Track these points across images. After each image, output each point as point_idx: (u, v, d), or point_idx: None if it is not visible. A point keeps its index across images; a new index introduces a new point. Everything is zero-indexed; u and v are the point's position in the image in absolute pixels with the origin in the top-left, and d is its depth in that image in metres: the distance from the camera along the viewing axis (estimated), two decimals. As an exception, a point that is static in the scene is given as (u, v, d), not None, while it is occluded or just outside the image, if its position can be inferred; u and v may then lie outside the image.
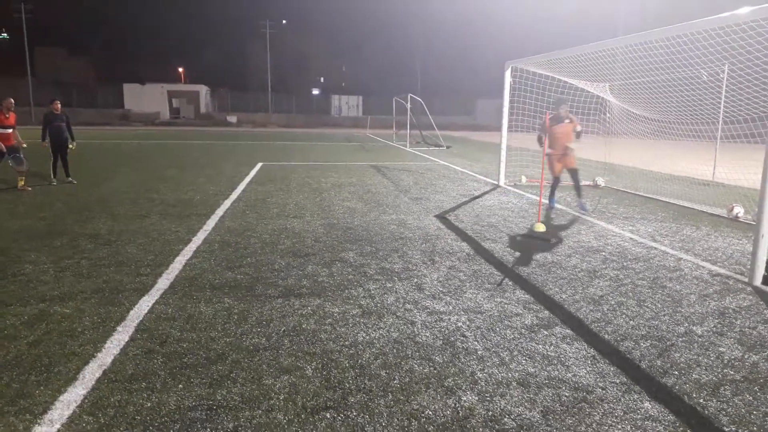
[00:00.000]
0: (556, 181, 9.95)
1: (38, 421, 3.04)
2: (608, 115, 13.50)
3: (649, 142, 13.77)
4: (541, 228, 8.12)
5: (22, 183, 11.22)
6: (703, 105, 10.89)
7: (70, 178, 12.34)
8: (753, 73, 8.18)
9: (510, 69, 12.93)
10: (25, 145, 11.51)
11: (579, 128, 9.53)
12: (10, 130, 11.05)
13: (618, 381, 3.65)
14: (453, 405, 3.31)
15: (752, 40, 7.11)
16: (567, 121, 9.50)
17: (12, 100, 11.32)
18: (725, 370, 3.83)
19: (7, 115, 11.04)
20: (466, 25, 66.81)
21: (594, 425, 3.13)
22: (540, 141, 9.40)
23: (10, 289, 5.16)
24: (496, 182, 13.51)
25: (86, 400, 3.25)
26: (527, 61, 12.55)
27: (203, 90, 62.29)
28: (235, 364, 3.77)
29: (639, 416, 3.23)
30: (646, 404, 3.37)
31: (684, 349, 4.16)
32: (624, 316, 4.81)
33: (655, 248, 7.24)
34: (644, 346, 4.22)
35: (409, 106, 28.03)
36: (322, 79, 78.39)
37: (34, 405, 3.19)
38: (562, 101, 10.03)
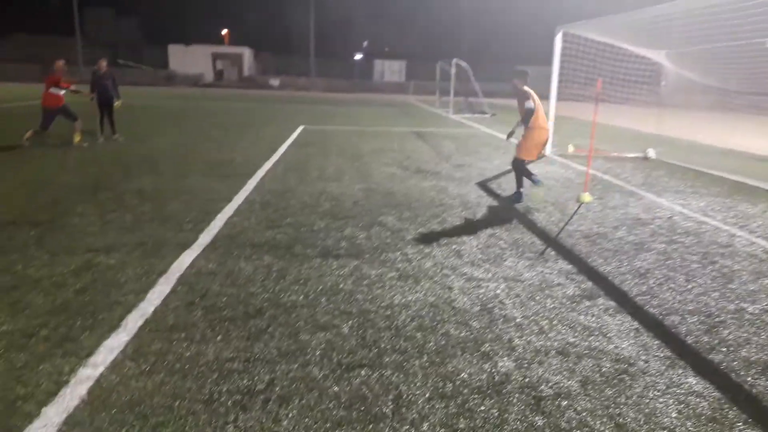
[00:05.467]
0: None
1: (83, 364, 3.13)
2: (664, 82, 12.94)
3: (706, 114, 13.17)
4: (587, 198, 7.89)
5: (79, 139, 11.52)
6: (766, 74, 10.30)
7: (116, 135, 12.60)
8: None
9: (561, 34, 12.47)
10: (72, 88, 11.62)
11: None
12: (63, 92, 11.30)
13: (662, 355, 3.53)
14: (489, 370, 3.27)
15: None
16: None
17: (63, 63, 11.57)
18: (777, 350, 3.67)
19: (60, 78, 11.29)
20: (516, -12, 64.64)
21: (634, 397, 3.04)
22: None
23: (60, 239, 5.32)
24: (543, 152, 13.17)
25: (128, 347, 3.34)
26: (579, 27, 12.08)
27: (247, 52, 62.43)
28: (273, 320, 3.80)
29: (682, 391, 3.13)
30: (691, 379, 3.25)
31: (734, 327, 3.99)
32: (671, 291, 4.65)
33: (707, 223, 6.96)
34: (691, 321, 4.07)
35: (453, 71, 27.47)
36: (365, 44, 77.51)
37: (80, 349, 3.29)
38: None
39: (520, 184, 7.96)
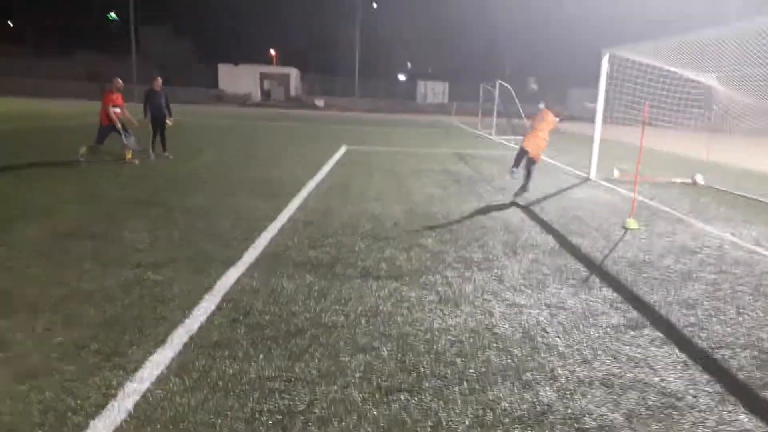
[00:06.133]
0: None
1: (130, 378, 3.22)
2: (715, 107, 12.59)
3: (759, 140, 12.73)
4: (633, 225, 7.73)
5: (130, 156, 11.97)
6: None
7: (166, 153, 12.99)
8: None
9: (607, 56, 12.33)
10: (136, 124, 12.25)
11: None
12: (119, 110, 11.75)
13: (711, 390, 3.42)
14: (530, 399, 3.22)
15: None
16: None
17: (120, 81, 12.04)
18: (836, 390, 3.49)
19: (116, 95, 11.74)
20: (560, 9, 63.87)
21: (682, 434, 2.95)
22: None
23: (111, 254, 5.51)
24: (586, 175, 12.99)
25: (174, 363, 3.42)
26: (626, 49, 11.92)
27: (294, 73, 63.62)
28: (314, 339, 3.84)
29: (734, 429, 3.01)
30: (742, 416, 3.13)
31: (788, 363, 3.83)
32: (721, 323, 4.49)
33: (759, 253, 6.72)
34: (743, 355, 3.92)
35: (497, 92, 27.40)
36: (409, 65, 78.02)
37: (127, 363, 3.39)
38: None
39: (526, 179, 9.41)
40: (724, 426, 3.04)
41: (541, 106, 9.79)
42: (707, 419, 3.09)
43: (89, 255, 5.43)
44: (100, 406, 2.93)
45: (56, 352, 3.48)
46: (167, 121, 13.02)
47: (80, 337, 3.69)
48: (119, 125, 11.67)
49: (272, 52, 72.70)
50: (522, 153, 9.38)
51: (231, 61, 61.13)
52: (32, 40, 63.24)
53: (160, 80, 13.03)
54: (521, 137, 25.03)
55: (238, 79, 59.76)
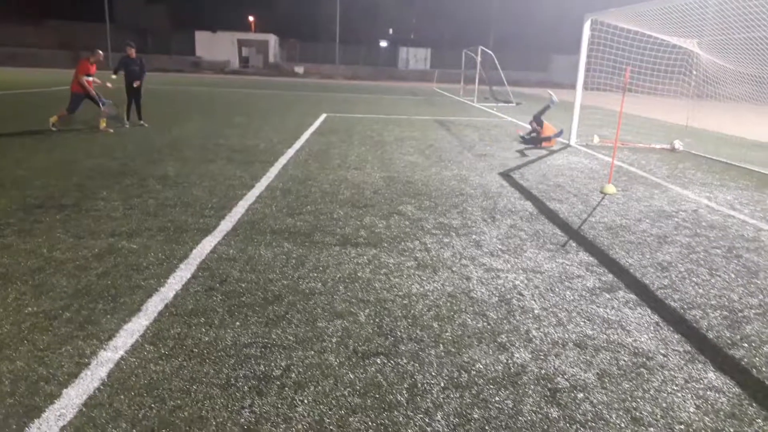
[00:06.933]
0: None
1: (104, 346, 3.19)
2: (695, 72, 12.61)
3: (737, 105, 12.81)
4: (611, 190, 7.78)
5: (104, 125, 11.73)
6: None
7: (142, 122, 12.75)
8: None
9: (589, 22, 12.24)
10: (109, 85, 11.96)
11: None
12: (92, 78, 11.53)
13: (681, 349, 3.48)
14: (505, 361, 3.26)
15: None
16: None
17: (102, 54, 11.82)
18: (802, 347, 3.58)
19: (92, 66, 11.51)
20: (544, -24, 63.25)
21: (652, 391, 3.01)
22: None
23: (84, 223, 5.42)
24: (566, 141, 13.02)
25: (148, 331, 3.39)
26: (608, 15, 11.84)
27: (273, 39, 62.56)
28: (291, 306, 3.83)
29: (701, 386, 3.08)
30: (710, 374, 3.20)
31: (757, 322, 3.92)
32: (693, 285, 4.57)
33: (733, 216, 6.82)
34: (713, 316, 4.00)
35: (479, 59, 27.19)
36: (390, 31, 76.95)
37: (101, 332, 3.36)
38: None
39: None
40: (693, 383, 3.11)
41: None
42: (676, 377, 3.16)
43: (61, 225, 5.34)
44: (73, 375, 2.90)
45: (27, 322, 3.43)
46: (139, 84, 12.55)
47: (52, 307, 3.65)
48: (93, 92, 11.42)
49: (250, 18, 71.14)
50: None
51: (208, 28, 59.86)
52: (2, 6, 61.16)
53: (133, 49, 12.67)
54: (504, 104, 25.09)
55: (216, 46, 58.74)
